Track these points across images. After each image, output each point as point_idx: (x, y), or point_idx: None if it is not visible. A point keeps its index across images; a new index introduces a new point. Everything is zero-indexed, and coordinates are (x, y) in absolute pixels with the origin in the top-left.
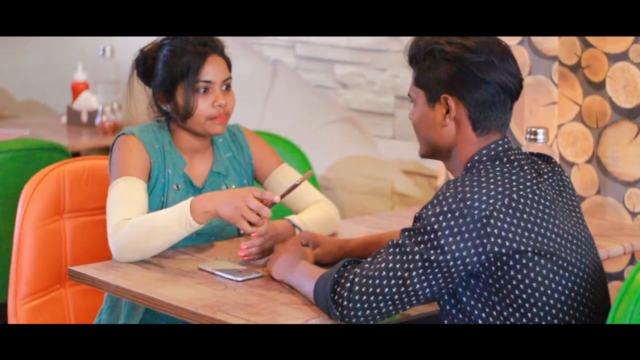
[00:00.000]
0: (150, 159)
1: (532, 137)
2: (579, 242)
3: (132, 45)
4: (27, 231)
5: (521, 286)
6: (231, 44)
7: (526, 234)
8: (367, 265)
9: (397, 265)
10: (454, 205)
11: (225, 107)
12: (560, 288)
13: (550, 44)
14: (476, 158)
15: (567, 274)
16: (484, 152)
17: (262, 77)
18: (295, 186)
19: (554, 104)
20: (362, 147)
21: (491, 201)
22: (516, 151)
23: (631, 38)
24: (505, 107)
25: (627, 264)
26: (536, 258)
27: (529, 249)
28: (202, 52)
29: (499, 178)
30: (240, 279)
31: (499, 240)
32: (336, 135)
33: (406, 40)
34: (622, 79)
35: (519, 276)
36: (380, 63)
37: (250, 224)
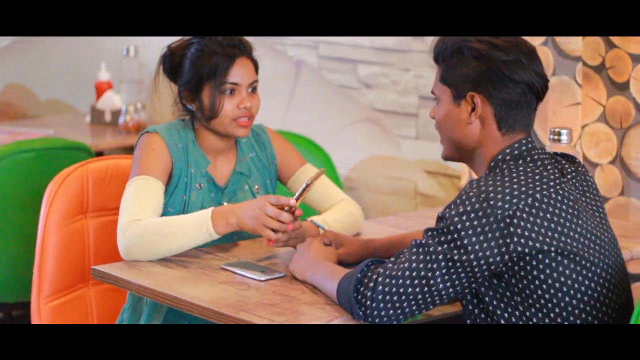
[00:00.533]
0: (171, 159)
1: (555, 137)
2: (602, 242)
3: (155, 45)
4: (50, 230)
5: (544, 286)
6: (255, 43)
7: (549, 233)
8: (390, 265)
9: (421, 265)
10: (477, 205)
11: (250, 109)
12: (583, 288)
13: (574, 44)
14: (500, 157)
15: (590, 274)
16: (507, 151)
17: (285, 77)
18: (308, 186)
19: (578, 104)
20: (385, 147)
21: (514, 201)
22: (540, 151)
23: None
24: (531, 107)
25: None
26: (559, 258)
27: (552, 248)
28: (231, 53)
29: (522, 177)
30: (263, 278)
31: (522, 240)
32: (359, 136)
33: (430, 41)
34: None
35: (542, 276)
36: (403, 63)
37: (274, 230)
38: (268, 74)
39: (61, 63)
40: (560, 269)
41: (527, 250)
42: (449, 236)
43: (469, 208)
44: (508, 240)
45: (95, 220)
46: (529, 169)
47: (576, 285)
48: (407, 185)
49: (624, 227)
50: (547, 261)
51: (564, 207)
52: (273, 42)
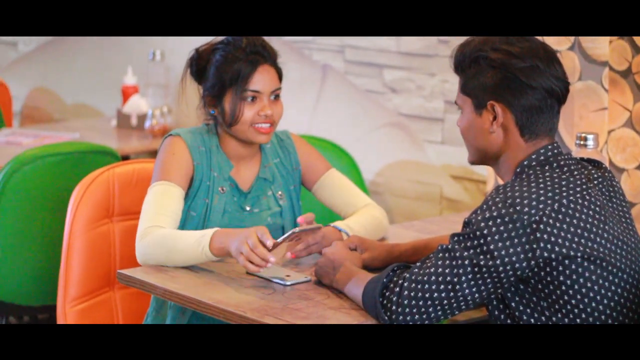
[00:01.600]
0: (193, 162)
1: (581, 142)
2: (629, 247)
3: (182, 49)
4: (76, 234)
5: (570, 291)
6: (280, 47)
7: (576, 239)
8: (416, 270)
9: (447, 271)
10: (503, 211)
11: (271, 117)
12: (609, 294)
13: (600, 49)
14: (525, 163)
15: (616, 280)
16: (533, 157)
17: (311, 81)
18: (294, 234)
19: (604, 109)
20: (411, 152)
21: (541, 206)
22: (566, 156)
23: None
24: (553, 111)
25: None
26: (586, 263)
27: (579, 254)
28: (254, 60)
29: (548, 183)
30: (288, 283)
31: (549, 246)
32: (385, 140)
33: (456, 45)
34: None
35: (569, 281)
36: (429, 68)
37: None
38: (294, 79)
39: (87, 67)
40: (587, 274)
41: (553, 255)
42: (475, 241)
43: (495, 214)
44: (534, 246)
45: (121, 224)
46: (555, 175)
47: (602, 291)
48: (432, 190)
49: None
50: (573, 267)
51: (590, 212)
52: (299, 46)
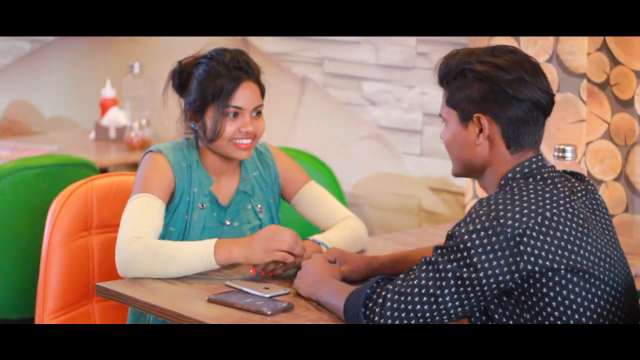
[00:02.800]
0: (174, 178)
1: (560, 154)
2: (612, 260)
3: (160, 62)
4: (55, 246)
5: (553, 304)
6: (259, 60)
7: (559, 252)
8: (399, 282)
9: (430, 283)
10: (487, 224)
11: (252, 133)
12: (592, 306)
13: (578, 61)
14: (510, 175)
15: (599, 292)
16: (517, 169)
17: (290, 93)
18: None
19: (582, 121)
20: (389, 164)
21: (524, 219)
22: (550, 168)
23: None
24: (538, 123)
25: None
26: (569, 276)
27: (562, 266)
28: (237, 76)
29: (532, 196)
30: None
31: (532, 259)
32: (364, 152)
33: (434, 58)
34: None
35: (552, 294)
36: (408, 80)
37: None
38: (273, 91)
39: (66, 80)
40: (570, 286)
41: (537, 268)
42: (459, 254)
43: (479, 226)
44: (518, 259)
45: (100, 237)
46: (539, 187)
47: (585, 303)
48: (411, 202)
49: (629, 244)
50: (557, 279)
51: (573, 225)
52: (278, 59)
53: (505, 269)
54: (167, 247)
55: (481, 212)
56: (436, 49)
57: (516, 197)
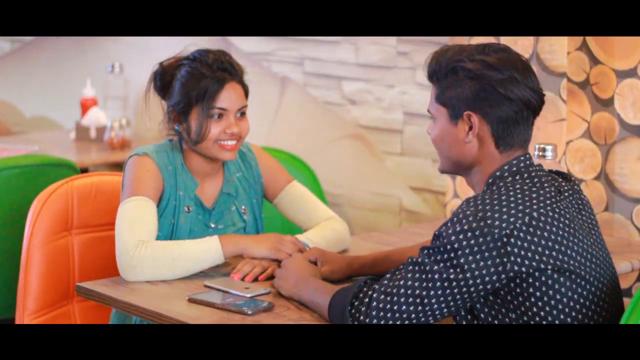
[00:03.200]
0: (163, 181)
1: (540, 153)
2: (597, 260)
3: (141, 62)
4: (35, 247)
5: (539, 303)
6: (239, 59)
7: (546, 252)
8: (385, 282)
9: (416, 284)
10: (474, 224)
11: (237, 134)
12: (578, 306)
13: (558, 60)
14: (498, 174)
15: (585, 292)
16: (505, 167)
17: (270, 93)
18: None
19: (563, 120)
20: (370, 163)
21: (512, 219)
22: (537, 167)
23: None
24: (528, 122)
25: (635, 281)
26: (555, 276)
27: (549, 267)
28: (221, 78)
29: (519, 196)
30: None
31: (519, 259)
32: (344, 152)
33: (415, 57)
34: (630, 96)
35: (538, 293)
36: (388, 80)
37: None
38: (253, 91)
39: (46, 80)
40: (557, 286)
41: (524, 269)
42: (445, 255)
43: (466, 227)
44: (505, 260)
45: (80, 237)
46: (525, 187)
47: (571, 303)
48: (391, 202)
49: (609, 243)
50: (543, 279)
51: (560, 224)
52: (258, 58)
53: (492, 269)
54: (175, 247)
55: (468, 212)
56: (416, 48)
57: (503, 197)
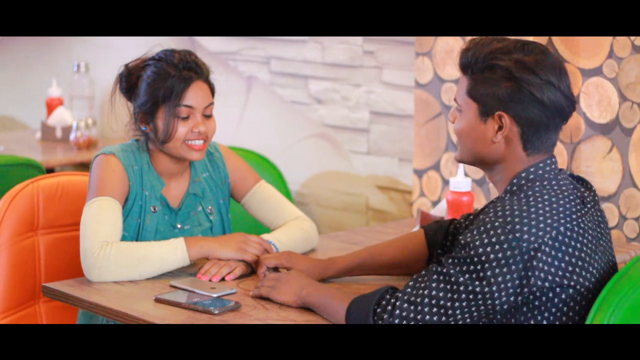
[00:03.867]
0: (129, 182)
1: None
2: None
3: (106, 61)
4: (0, 247)
5: (551, 317)
6: (206, 59)
7: (570, 268)
8: (409, 290)
9: (441, 294)
10: (502, 237)
11: (205, 133)
12: (577, 318)
13: None
14: (523, 175)
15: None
16: (531, 169)
17: (237, 92)
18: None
19: None
20: (336, 162)
21: (540, 233)
22: (562, 175)
23: (605, 53)
24: (557, 128)
25: None
26: (574, 295)
27: (572, 283)
28: (187, 77)
29: (547, 208)
30: (214, 294)
31: (542, 274)
32: (311, 151)
33: (381, 56)
34: (596, 95)
35: (554, 309)
36: (354, 79)
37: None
38: (220, 90)
39: (11, 79)
40: (572, 304)
41: (547, 284)
42: (472, 266)
43: (494, 239)
44: (530, 274)
45: (46, 237)
46: (553, 198)
47: (577, 318)
48: (358, 201)
49: None
50: (563, 296)
51: (585, 241)
52: (225, 57)
53: (517, 282)
54: (140, 249)
55: (497, 223)
56: (382, 47)
57: (532, 209)
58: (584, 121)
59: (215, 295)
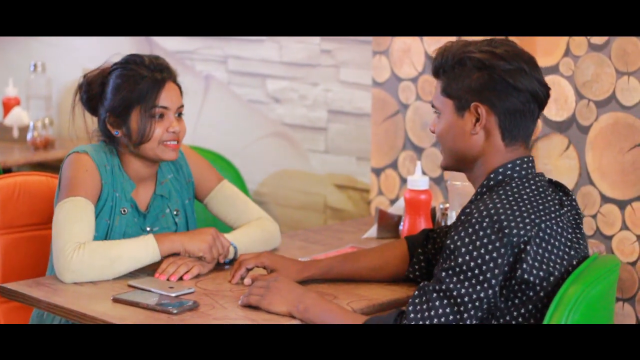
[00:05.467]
0: (101, 181)
1: None
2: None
3: (63, 61)
4: None
5: (527, 314)
6: (163, 58)
7: (551, 264)
8: (413, 315)
9: (447, 310)
10: (493, 237)
11: (178, 133)
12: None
13: None
14: (500, 171)
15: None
16: (509, 165)
17: (194, 92)
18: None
19: None
20: (294, 161)
21: (528, 227)
22: (540, 177)
23: (562, 51)
24: (533, 116)
25: None
26: (550, 288)
27: (551, 279)
28: (160, 78)
29: (528, 206)
30: (173, 294)
31: (528, 268)
32: (269, 150)
33: (338, 55)
34: (552, 93)
35: (530, 306)
36: (312, 78)
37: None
38: None
39: None
40: (546, 301)
41: (531, 278)
42: (469, 273)
43: (485, 240)
44: (517, 266)
45: (4, 238)
46: (532, 196)
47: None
48: (316, 199)
49: None
50: (542, 294)
51: (563, 239)
52: (182, 57)
53: (508, 275)
54: (112, 248)
55: (484, 223)
56: (340, 46)
57: (514, 206)
58: (540, 119)
59: (173, 294)
